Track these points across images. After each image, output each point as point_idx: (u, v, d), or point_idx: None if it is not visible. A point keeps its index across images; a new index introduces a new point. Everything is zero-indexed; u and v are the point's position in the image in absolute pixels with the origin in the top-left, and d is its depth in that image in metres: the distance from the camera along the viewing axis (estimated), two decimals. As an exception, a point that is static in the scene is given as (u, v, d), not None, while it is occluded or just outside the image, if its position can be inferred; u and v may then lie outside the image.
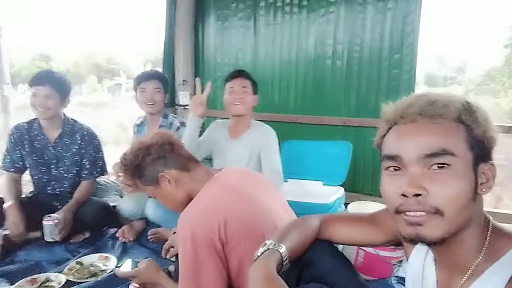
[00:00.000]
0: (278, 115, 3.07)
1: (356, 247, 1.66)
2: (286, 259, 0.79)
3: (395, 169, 0.67)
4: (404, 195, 0.63)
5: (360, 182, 2.77)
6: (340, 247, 1.78)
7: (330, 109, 2.87)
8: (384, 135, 0.71)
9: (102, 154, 2.31)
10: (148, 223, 2.25)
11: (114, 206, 2.26)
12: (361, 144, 2.67)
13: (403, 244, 0.88)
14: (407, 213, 0.64)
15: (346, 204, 2.10)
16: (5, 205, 1.98)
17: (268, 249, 0.79)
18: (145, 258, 1.54)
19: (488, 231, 0.67)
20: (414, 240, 0.66)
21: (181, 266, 1.07)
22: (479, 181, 0.64)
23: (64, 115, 2.22)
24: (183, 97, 3.20)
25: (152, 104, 2.28)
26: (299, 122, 2.99)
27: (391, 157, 0.67)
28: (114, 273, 1.62)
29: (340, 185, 2.12)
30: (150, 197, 1.70)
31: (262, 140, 2.01)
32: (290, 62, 3.02)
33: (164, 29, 3.20)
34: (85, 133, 2.22)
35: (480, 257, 0.65)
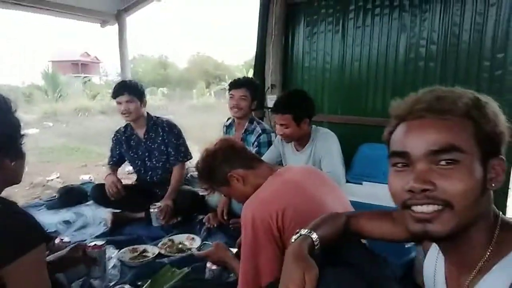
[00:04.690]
0: (364, 118, 3.04)
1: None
2: (317, 244, 0.87)
3: (403, 166, 0.66)
4: (411, 191, 0.63)
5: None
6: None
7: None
8: (393, 131, 0.71)
9: (183, 140, 2.60)
10: (231, 212, 2.47)
11: (203, 196, 2.54)
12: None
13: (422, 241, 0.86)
14: (415, 209, 0.64)
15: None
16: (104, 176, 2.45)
17: (301, 235, 0.88)
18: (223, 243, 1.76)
19: (497, 226, 0.65)
20: (421, 237, 0.65)
21: (242, 247, 1.22)
22: (488, 176, 0.62)
23: (148, 114, 2.56)
24: (270, 100, 3.39)
25: (237, 110, 2.49)
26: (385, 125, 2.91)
27: (399, 154, 0.66)
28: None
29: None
30: (225, 195, 1.88)
31: (323, 148, 2.08)
32: (379, 65, 2.97)
33: (256, 38, 3.43)
34: (165, 124, 2.55)
35: (488, 253, 0.64)
